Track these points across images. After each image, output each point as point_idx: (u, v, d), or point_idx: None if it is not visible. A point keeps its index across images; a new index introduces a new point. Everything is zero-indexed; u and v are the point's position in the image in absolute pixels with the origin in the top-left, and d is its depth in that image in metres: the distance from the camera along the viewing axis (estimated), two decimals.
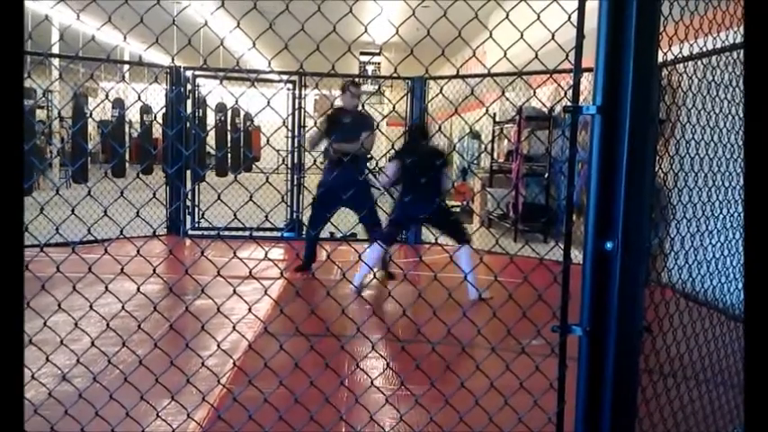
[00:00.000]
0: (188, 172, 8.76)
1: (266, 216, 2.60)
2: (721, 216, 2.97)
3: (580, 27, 1.64)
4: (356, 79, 7.44)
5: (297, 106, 8.23)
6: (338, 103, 6.36)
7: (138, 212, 2.23)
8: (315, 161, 6.58)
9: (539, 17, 1.89)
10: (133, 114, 12.33)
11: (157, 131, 12.35)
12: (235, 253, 2.28)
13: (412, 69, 6.03)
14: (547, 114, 8.67)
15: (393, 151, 6.24)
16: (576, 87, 1.68)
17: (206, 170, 9.13)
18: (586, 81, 1.99)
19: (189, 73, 8.22)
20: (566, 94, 1.78)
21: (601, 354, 1.60)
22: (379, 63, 17.29)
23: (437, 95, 3.88)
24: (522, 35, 1.97)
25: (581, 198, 6.15)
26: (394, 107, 2.76)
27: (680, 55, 2.83)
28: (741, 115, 2.94)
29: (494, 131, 10.56)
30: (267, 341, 4.00)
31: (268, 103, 2.27)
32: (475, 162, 12.22)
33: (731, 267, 3.05)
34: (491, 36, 2.07)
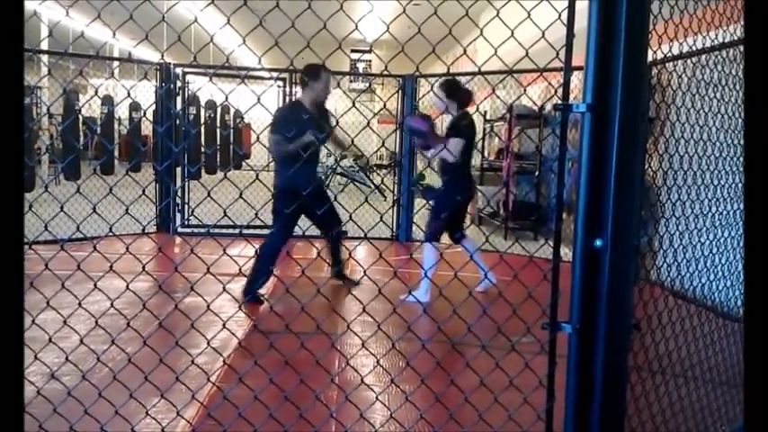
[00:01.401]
0: (178, 169, 8.73)
1: (256, 213, 2.60)
2: (710, 214, 2.99)
3: (570, 25, 1.64)
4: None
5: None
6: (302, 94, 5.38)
7: (127, 210, 2.22)
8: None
9: (529, 15, 1.90)
10: (122, 111, 12.28)
11: (147, 128, 12.31)
12: (224, 250, 2.27)
13: (403, 67, 6.01)
14: (537, 112, 8.70)
15: (458, 125, 5.25)
16: (566, 86, 1.68)
17: (197, 167, 9.10)
18: (576, 79, 2.00)
19: (179, 70, 8.19)
20: (556, 92, 1.79)
21: (590, 351, 1.61)
22: (369, 61, 17.29)
23: (428, 93, 3.86)
24: (512, 33, 1.97)
25: (571, 196, 6.12)
26: (384, 105, 2.76)
27: (670, 54, 2.84)
28: (730, 114, 2.96)
29: (484, 129, 10.57)
30: (257, 339, 4.00)
31: (258, 100, 2.26)
32: None
33: (720, 265, 3.07)
34: (482, 34, 2.07)
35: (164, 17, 2.09)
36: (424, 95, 8.21)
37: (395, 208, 8.43)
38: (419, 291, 4.98)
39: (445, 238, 5.53)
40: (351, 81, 18.07)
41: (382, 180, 13.64)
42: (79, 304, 2.20)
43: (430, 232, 5.24)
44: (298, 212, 5.08)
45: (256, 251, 5.10)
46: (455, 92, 5.30)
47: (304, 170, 4.88)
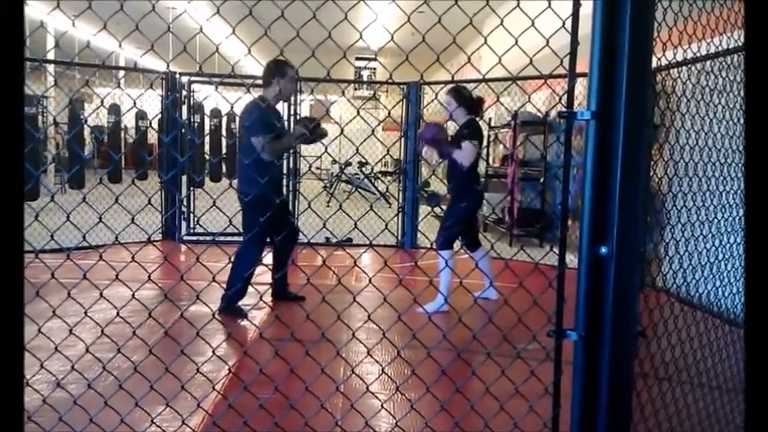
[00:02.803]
0: (183, 177, 8.75)
1: (261, 222, 2.60)
2: (716, 220, 2.98)
3: (574, 33, 1.64)
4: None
5: (293, 112, 8.23)
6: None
7: (133, 219, 2.23)
8: (310, 166, 6.45)
9: (533, 23, 1.90)
10: (128, 120, 12.33)
11: (152, 137, 12.35)
12: (230, 258, 2.27)
13: (407, 75, 6.02)
14: (542, 119, 8.70)
15: (464, 133, 5.19)
16: (570, 93, 1.69)
17: (202, 175, 9.12)
18: (581, 86, 2.00)
19: (184, 79, 8.22)
20: (560, 99, 1.79)
21: (596, 358, 1.61)
22: (374, 68, 17.33)
23: (432, 101, 3.88)
24: (516, 41, 1.98)
25: (576, 203, 6.11)
26: (389, 113, 2.76)
27: (674, 60, 2.84)
28: (735, 120, 2.95)
29: (489, 136, 10.57)
30: (262, 347, 3.99)
31: (263, 109, 2.27)
32: None
33: (725, 271, 3.06)
34: (486, 42, 2.08)
35: (169, 27, 2.10)
36: (428, 103, 8.21)
37: (400, 215, 8.42)
38: (433, 303, 4.74)
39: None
40: (355, 89, 18.10)
41: (387, 187, 13.64)
42: (85, 313, 2.21)
43: (441, 241, 5.21)
44: (274, 220, 4.53)
45: (234, 259, 4.80)
46: (466, 99, 5.31)
47: (280, 173, 4.53)
